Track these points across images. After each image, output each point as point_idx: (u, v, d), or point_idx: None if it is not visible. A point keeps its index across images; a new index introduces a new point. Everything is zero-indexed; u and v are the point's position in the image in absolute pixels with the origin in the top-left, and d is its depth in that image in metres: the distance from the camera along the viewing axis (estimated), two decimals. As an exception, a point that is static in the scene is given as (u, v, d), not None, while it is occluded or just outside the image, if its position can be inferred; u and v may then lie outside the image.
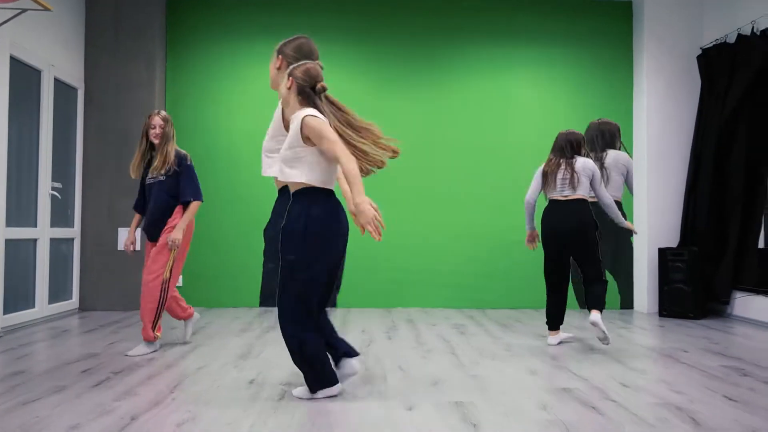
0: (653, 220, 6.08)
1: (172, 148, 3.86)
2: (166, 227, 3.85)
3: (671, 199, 6.10)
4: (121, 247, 5.75)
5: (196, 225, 5.33)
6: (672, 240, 6.07)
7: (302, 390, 2.89)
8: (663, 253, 5.79)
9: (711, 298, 5.70)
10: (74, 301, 5.67)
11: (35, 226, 5.07)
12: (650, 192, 6.10)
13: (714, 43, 5.85)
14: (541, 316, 5.45)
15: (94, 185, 5.80)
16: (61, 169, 5.47)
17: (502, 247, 6.26)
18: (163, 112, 3.90)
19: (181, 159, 3.89)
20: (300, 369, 2.83)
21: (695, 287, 5.56)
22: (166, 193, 3.85)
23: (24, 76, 4.91)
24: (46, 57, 5.19)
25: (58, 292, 5.43)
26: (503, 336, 4.64)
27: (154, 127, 3.84)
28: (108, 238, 5.78)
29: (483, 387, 3.12)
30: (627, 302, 6.31)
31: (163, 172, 3.85)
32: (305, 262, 2.71)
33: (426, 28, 6.39)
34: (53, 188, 5.32)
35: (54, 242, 5.33)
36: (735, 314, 5.59)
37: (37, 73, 5.10)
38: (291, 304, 2.74)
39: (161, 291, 3.78)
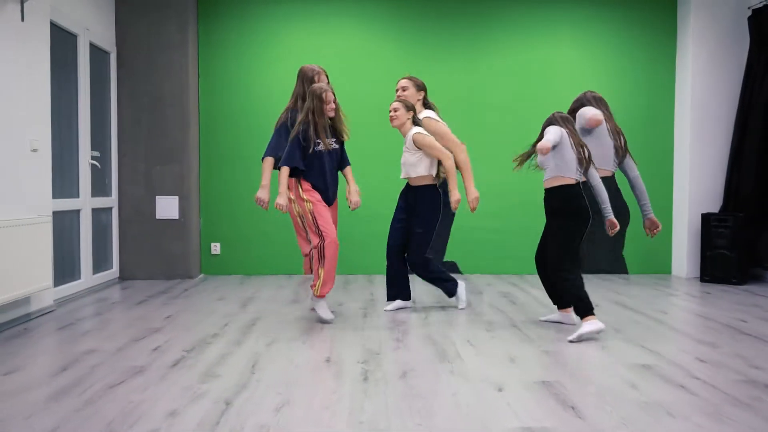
0: (694, 186, 6.01)
1: None
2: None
3: (714, 164, 6.02)
4: (160, 215, 5.69)
5: (243, 188, 6.02)
6: (713, 205, 6.02)
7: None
8: (706, 218, 5.75)
9: (754, 263, 5.69)
10: (115, 271, 5.63)
11: (78, 196, 4.98)
12: (693, 157, 6.01)
13: (765, 2, 5.66)
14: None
15: (129, 152, 5.69)
16: (98, 137, 5.34)
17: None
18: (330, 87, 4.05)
19: None
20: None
21: (739, 253, 5.54)
22: (337, 161, 4.15)
23: (60, 42, 4.73)
24: (82, 20, 4.99)
25: (99, 262, 5.38)
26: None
27: (329, 102, 3.99)
28: (146, 207, 5.70)
29: (561, 363, 3.11)
30: (663, 267, 6.30)
31: (336, 142, 4.13)
32: None
33: (463, -14, 6.17)
34: (93, 157, 5.21)
35: (95, 212, 5.26)
36: (777, 280, 5.59)
37: (73, 38, 4.92)
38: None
39: None
